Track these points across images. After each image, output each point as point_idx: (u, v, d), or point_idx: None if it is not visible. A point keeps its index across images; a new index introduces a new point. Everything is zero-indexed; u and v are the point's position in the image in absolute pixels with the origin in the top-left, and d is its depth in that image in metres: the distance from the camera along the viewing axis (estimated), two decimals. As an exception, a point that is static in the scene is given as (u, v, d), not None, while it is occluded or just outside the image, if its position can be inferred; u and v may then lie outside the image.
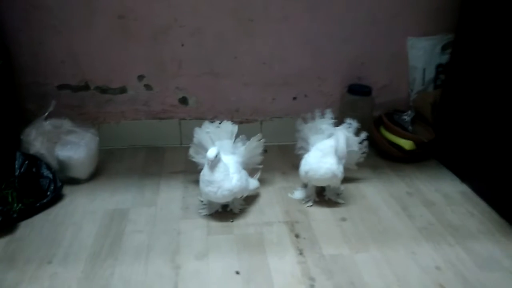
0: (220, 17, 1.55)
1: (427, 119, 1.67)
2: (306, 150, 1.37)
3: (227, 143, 1.29)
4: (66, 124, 1.43)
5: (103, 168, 1.50)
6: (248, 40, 1.59)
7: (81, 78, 1.58)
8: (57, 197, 1.32)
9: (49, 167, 1.33)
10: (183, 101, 1.66)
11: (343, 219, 1.27)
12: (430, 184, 1.47)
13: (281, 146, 1.66)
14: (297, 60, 1.64)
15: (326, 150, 1.24)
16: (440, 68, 1.68)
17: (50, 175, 1.32)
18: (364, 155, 1.41)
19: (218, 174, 1.16)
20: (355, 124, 1.35)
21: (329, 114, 1.37)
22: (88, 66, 1.56)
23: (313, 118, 1.40)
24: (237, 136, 1.32)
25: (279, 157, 1.62)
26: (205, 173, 1.19)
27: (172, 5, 1.51)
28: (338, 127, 1.35)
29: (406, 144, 1.55)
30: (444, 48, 1.66)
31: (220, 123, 1.33)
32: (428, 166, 1.59)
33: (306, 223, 1.25)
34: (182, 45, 1.57)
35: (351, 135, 1.34)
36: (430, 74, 1.69)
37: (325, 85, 1.70)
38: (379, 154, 1.63)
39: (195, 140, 1.34)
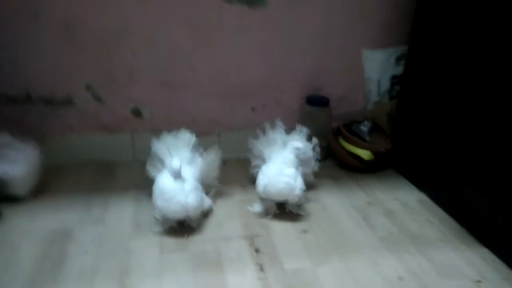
0: (174, 26, 1.49)
1: (384, 130, 1.68)
2: (261, 167, 1.33)
3: (184, 152, 1.22)
4: (4, 137, 1.31)
5: (46, 185, 1.37)
6: (204, 50, 1.54)
7: (22, 87, 1.46)
8: (-9, 217, 1.19)
9: (-18, 184, 1.20)
10: (136, 112, 1.57)
11: (304, 231, 1.22)
12: (389, 194, 1.46)
13: (239, 159, 1.60)
14: (255, 70, 1.61)
15: (284, 160, 1.20)
16: (394, 80, 1.71)
17: (-16, 193, 1.19)
18: (319, 163, 1.38)
19: (171, 188, 1.09)
20: (305, 130, 1.33)
21: (279, 123, 1.34)
22: (30, 73, 1.44)
23: (263, 132, 1.37)
24: (194, 147, 1.25)
25: (238, 170, 1.57)
26: (159, 184, 1.12)
27: (123, 13, 1.43)
28: (290, 135, 1.32)
29: (365, 154, 1.55)
30: (398, 60, 1.69)
31: (177, 132, 1.26)
32: (386, 175, 1.59)
33: (266, 237, 1.19)
34: (133, 54, 1.49)
35: (303, 141, 1.32)
36: (385, 85, 1.71)
37: (284, 96, 1.67)
38: (339, 164, 1.62)
39: (152, 152, 1.26)
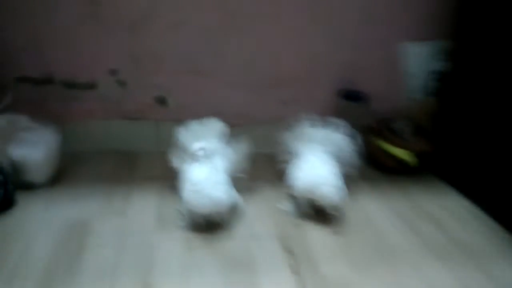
0: (205, 10, 1.40)
1: (424, 130, 1.56)
2: (293, 163, 1.23)
3: (213, 141, 1.12)
4: (23, 120, 1.24)
5: (65, 173, 1.30)
6: (235, 36, 1.45)
7: (44, 70, 1.38)
8: (7, 204, 1.11)
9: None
10: (161, 100, 1.49)
11: (340, 234, 1.12)
12: (432, 199, 1.34)
13: (267, 154, 1.50)
14: (288, 61, 1.51)
15: (323, 156, 1.10)
16: (435, 76, 1.59)
17: (1, 177, 1.11)
18: (359, 159, 1.27)
19: (203, 176, 1.00)
20: (343, 124, 1.22)
21: (315, 117, 1.24)
22: (52, 56, 1.36)
23: (296, 125, 1.27)
24: (224, 137, 1.16)
25: (266, 166, 1.46)
26: (187, 175, 1.03)
27: (153, -8, 1.35)
28: (327, 131, 1.22)
29: (405, 155, 1.43)
30: (439, 54, 1.57)
31: (206, 121, 1.17)
32: (425, 179, 1.47)
33: (299, 239, 1.09)
34: (162, 38, 1.41)
35: (343, 137, 1.21)
36: (425, 81, 1.60)
37: (317, 89, 1.57)
38: (374, 165, 1.51)
39: (176, 141, 1.17)
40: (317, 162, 1.10)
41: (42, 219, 1.09)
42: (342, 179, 1.12)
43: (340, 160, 1.16)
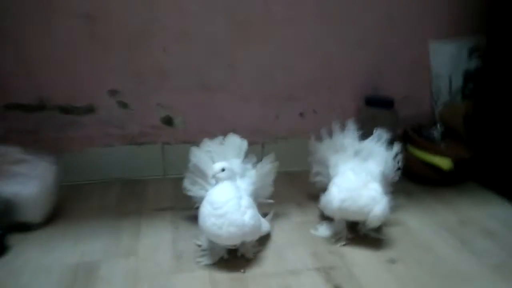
0: (212, 18, 1.27)
1: (459, 135, 1.41)
2: (326, 176, 1.09)
3: (236, 162, 0.97)
4: (14, 152, 1.09)
5: (64, 209, 1.14)
6: (246, 45, 1.32)
7: (36, 95, 1.24)
8: (-3, 250, 0.96)
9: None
10: (167, 121, 1.35)
11: (392, 261, 0.95)
12: (480, 210, 1.19)
13: (289, 173, 1.35)
14: (304, 68, 1.38)
15: (365, 174, 0.95)
16: (468, 76, 1.45)
17: (-11, 220, 0.97)
18: (398, 173, 1.12)
19: (226, 198, 0.85)
20: (385, 135, 1.07)
21: (351, 125, 1.09)
22: (45, 79, 1.23)
23: (330, 135, 1.13)
24: (246, 157, 1.01)
25: (288, 186, 1.31)
26: (207, 198, 0.87)
27: (152, 2, 1.22)
28: (365, 141, 1.07)
29: (444, 163, 1.28)
30: (471, 52, 1.44)
31: (224, 138, 1.02)
32: (467, 188, 1.33)
33: (344, 269, 0.92)
34: (165, 51, 1.28)
35: (383, 148, 1.06)
36: (457, 82, 1.46)
37: (337, 98, 1.43)
38: (408, 176, 1.35)
39: (191, 165, 1.02)
40: (358, 178, 0.94)
41: (39, 265, 0.93)
42: (388, 197, 0.96)
43: (382, 174, 1.00)
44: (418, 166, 1.33)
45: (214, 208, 0.86)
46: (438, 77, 1.45)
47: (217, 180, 0.88)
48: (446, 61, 1.43)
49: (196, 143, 1.26)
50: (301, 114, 1.43)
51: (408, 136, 1.36)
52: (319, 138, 1.14)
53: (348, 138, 1.07)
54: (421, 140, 1.33)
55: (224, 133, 1.33)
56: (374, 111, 1.37)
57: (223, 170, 0.87)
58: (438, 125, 1.39)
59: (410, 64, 1.43)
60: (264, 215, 1.03)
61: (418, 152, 1.32)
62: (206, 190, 0.99)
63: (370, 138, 1.06)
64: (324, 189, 1.10)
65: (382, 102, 1.37)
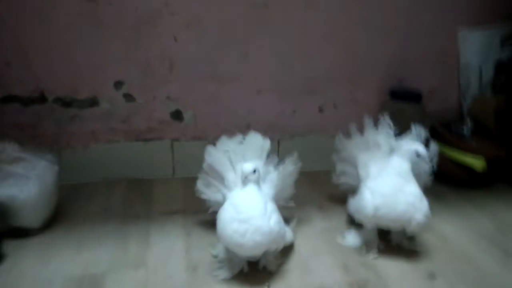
0: (225, 2, 1.17)
1: (489, 131, 1.31)
2: (352, 176, 0.99)
3: (258, 164, 0.87)
4: (10, 149, 1.00)
5: (65, 213, 1.05)
6: (261, 33, 1.22)
7: (35, 87, 1.15)
8: (-8, 260, 0.87)
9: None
10: (177, 115, 1.25)
11: (432, 277, 0.86)
12: (519, 215, 1.10)
13: (306, 173, 1.24)
14: (324, 58, 1.28)
15: (401, 171, 0.85)
16: (500, 67, 1.35)
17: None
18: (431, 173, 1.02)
19: (252, 204, 0.76)
20: (424, 133, 0.97)
21: (386, 120, 0.99)
22: (44, 70, 1.14)
23: (359, 130, 1.03)
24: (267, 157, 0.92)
25: (308, 187, 1.22)
26: (231, 203, 0.78)
27: (161, -15, 1.12)
28: (404, 139, 0.97)
29: (477, 163, 1.18)
30: (504, 41, 1.34)
31: (244, 137, 0.92)
32: (499, 190, 1.23)
33: (379, 284, 0.83)
34: (175, 39, 1.17)
35: (421, 146, 0.95)
36: (488, 74, 1.36)
37: (360, 91, 1.33)
38: (438, 177, 1.25)
39: (206, 165, 0.92)
40: (399, 179, 0.84)
41: (38, 276, 0.84)
42: (426, 201, 0.86)
43: (417, 175, 0.90)
44: (446, 165, 1.22)
45: (238, 212, 0.76)
46: (467, 68, 1.35)
47: (247, 183, 0.78)
48: (476, 50, 1.33)
49: (207, 139, 1.17)
50: (320, 109, 1.33)
51: (437, 132, 1.26)
52: (346, 134, 1.04)
53: (383, 134, 0.96)
54: (452, 138, 1.22)
55: (237, 129, 1.24)
56: (400, 105, 1.26)
57: (255, 171, 0.78)
58: (467, 121, 1.29)
59: (437, 54, 1.33)
60: (284, 220, 0.94)
61: (448, 150, 1.22)
62: (223, 194, 0.89)
63: (407, 135, 0.95)
64: (349, 190, 1.01)
65: (410, 95, 1.27)
